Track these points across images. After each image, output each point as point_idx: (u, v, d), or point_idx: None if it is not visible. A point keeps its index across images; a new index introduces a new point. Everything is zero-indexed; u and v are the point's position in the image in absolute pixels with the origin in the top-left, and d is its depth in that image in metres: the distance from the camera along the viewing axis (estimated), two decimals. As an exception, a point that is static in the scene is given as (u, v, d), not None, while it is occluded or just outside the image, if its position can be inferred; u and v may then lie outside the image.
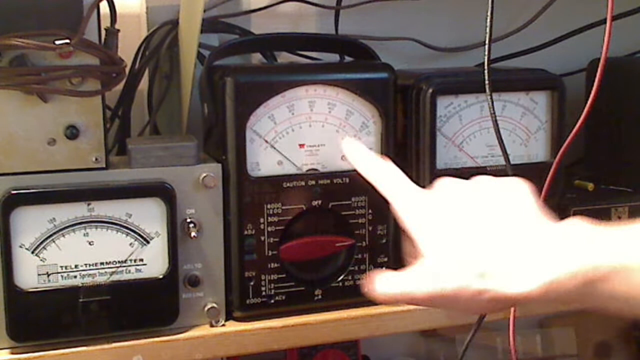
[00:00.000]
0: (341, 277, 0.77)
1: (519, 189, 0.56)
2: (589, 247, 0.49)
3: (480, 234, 0.53)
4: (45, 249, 0.68)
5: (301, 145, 0.75)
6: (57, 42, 0.65)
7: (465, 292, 0.52)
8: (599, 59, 0.68)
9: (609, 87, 0.73)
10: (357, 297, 0.78)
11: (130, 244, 0.70)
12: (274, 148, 0.74)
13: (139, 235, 0.70)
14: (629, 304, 0.48)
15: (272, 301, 0.75)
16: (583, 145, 0.98)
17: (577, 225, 0.51)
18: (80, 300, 0.68)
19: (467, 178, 0.80)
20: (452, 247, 0.54)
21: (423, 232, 0.56)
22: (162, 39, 0.88)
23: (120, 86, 0.82)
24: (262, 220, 0.74)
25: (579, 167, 1.00)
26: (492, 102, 0.72)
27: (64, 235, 0.68)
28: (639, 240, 0.49)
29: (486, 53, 0.72)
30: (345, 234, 0.77)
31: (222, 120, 0.73)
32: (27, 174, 0.68)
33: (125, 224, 0.69)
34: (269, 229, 0.74)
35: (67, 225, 0.68)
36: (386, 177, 0.63)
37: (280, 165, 0.75)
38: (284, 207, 0.74)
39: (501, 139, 0.74)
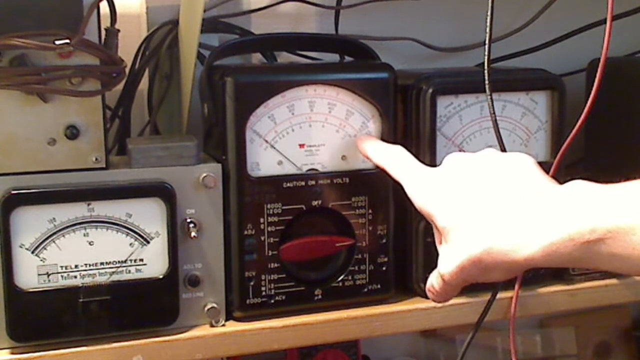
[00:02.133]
0: (341, 277, 0.77)
1: (523, 159, 0.58)
2: (586, 209, 0.50)
3: (485, 203, 0.55)
4: (45, 249, 0.68)
5: (301, 145, 0.75)
6: (57, 42, 0.65)
7: (473, 262, 0.55)
8: (599, 59, 0.68)
9: (609, 87, 0.73)
10: (357, 297, 0.78)
11: (130, 244, 0.70)
12: (274, 148, 0.74)
13: (139, 235, 0.70)
14: (628, 263, 0.49)
15: (272, 301, 0.75)
16: (583, 145, 0.98)
17: (577, 187, 0.53)
18: (80, 300, 0.68)
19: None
20: (461, 219, 0.56)
21: (436, 207, 0.58)
22: (162, 39, 0.88)
23: (120, 86, 0.82)
24: (262, 220, 0.74)
25: (579, 167, 1.00)
26: (492, 102, 0.72)
27: (64, 235, 0.68)
28: (636, 200, 0.49)
29: (486, 53, 0.72)
30: (345, 234, 0.77)
31: (222, 120, 0.73)
32: (27, 174, 0.68)
33: (125, 224, 0.69)
34: (269, 229, 0.74)
35: (67, 225, 0.68)
36: (396, 160, 0.67)
37: (280, 165, 0.75)
38: (284, 207, 0.74)
39: (501, 139, 0.74)
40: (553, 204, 0.53)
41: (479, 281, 0.57)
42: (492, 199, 0.56)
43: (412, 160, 0.67)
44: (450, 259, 0.57)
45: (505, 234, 0.54)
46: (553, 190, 0.55)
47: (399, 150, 0.70)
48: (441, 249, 0.59)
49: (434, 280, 0.61)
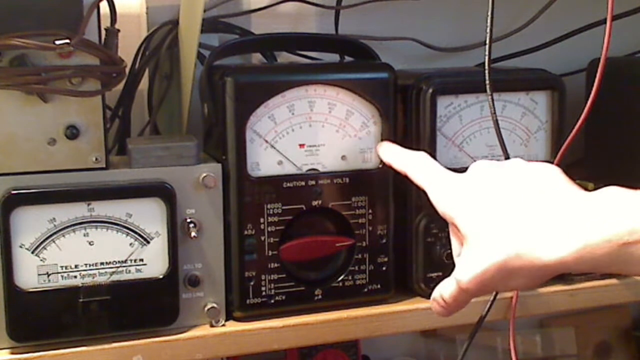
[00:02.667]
0: (341, 277, 0.77)
1: (551, 167, 0.57)
2: (623, 211, 0.49)
3: (513, 207, 0.54)
4: (45, 249, 0.68)
5: (301, 145, 0.75)
6: (57, 42, 0.65)
7: (498, 266, 0.53)
8: (599, 59, 0.68)
9: (609, 87, 0.73)
10: (357, 297, 0.78)
11: (130, 244, 0.70)
12: (274, 148, 0.74)
13: (139, 235, 0.70)
14: None
15: (272, 301, 0.75)
16: (583, 145, 0.98)
17: (611, 191, 0.52)
18: (80, 300, 0.68)
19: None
20: (486, 224, 0.55)
21: (460, 212, 0.57)
22: (162, 39, 0.88)
23: (120, 86, 0.82)
24: (262, 220, 0.74)
25: (579, 167, 1.00)
26: (493, 102, 0.72)
27: (64, 235, 0.68)
28: None
29: (486, 53, 0.72)
30: (345, 234, 0.77)
31: (222, 120, 0.73)
32: (27, 174, 0.68)
33: (125, 224, 0.69)
34: (269, 229, 0.74)
35: (67, 225, 0.68)
36: (420, 165, 0.66)
37: (280, 165, 0.75)
38: (284, 207, 0.74)
39: (501, 139, 0.74)
40: (587, 206, 0.51)
41: (499, 290, 0.56)
42: (520, 203, 0.54)
43: (437, 166, 0.66)
44: (473, 264, 0.55)
45: (535, 237, 0.52)
46: (585, 194, 0.53)
47: (422, 156, 0.68)
48: (462, 254, 0.57)
49: (444, 290, 0.59)
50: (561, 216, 0.52)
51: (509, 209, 0.54)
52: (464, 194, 0.58)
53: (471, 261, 0.55)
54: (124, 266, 0.70)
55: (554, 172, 0.57)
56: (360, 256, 0.77)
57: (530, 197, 0.54)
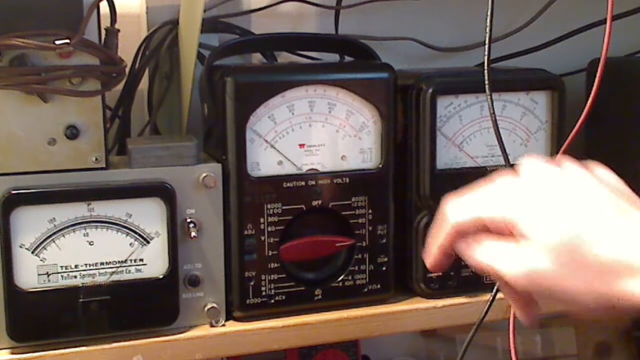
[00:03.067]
0: (341, 277, 0.77)
1: (606, 171, 0.55)
2: None
3: (581, 204, 0.51)
4: (45, 249, 0.68)
5: (301, 145, 0.75)
6: (57, 42, 0.65)
7: (561, 254, 0.49)
8: (599, 59, 0.68)
9: (609, 87, 0.73)
10: (357, 297, 0.78)
11: (130, 244, 0.70)
12: (274, 148, 0.74)
13: (139, 235, 0.70)
14: None
15: (272, 301, 0.75)
16: (583, 145, 0.98)
17: None
18: (80, 300, 0.68)
19: (466, 178, 0.80)
20: (555, 221, 0.50)
21: (525, 212, 0.52)
22: (162, 39, 0.88)
23: (120, 86, 0.82)
24: (262, 220, 0.74)
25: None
26: (492, 102, 0.72)
27: (64, 235, 0.68)
28: None
29: (486, 53, 0.72)
30: (345, 234, 0.77)
31: (222, 120, 0.73)
32: (27, 174, 0.68)
33: (125, 224, 0.69)
34: (269, 229, 0.74)
35: (67, 225, 0.68)
36: (462, 206, 0.57)
37: (280, 165, 0.75)
38: (284, 207, 0.74)
39: (501, 139, 0.74)
40: None
41: (550, 293, 0.51)
42: (588, 202, 0.51)
43: (471, 192, 0.57)
44: (534, 253, 0.50)
45: (611, 235, 0.49)
46: None
47: (451, 203, 0.58)
48: (519, 247, 0.52)
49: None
50: (631, 217, 0.49)
51: (574, 204, 0.51)
52: (525, 192, 0.53)
53: (541, 259, 0.50)
54: (124, 266, 0.70)
55: (611, 177, 0.54)
56: (360, 256, 0.77)
57: (595, 196, 0.51)
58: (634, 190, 0.54)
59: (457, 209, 0.56)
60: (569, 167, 0.54)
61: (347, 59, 0.87)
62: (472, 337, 0.78)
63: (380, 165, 0.77)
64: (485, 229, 0.54)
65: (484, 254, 0.54)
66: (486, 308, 0.79)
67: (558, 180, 0.53)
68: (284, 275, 0.75)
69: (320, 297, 0.77)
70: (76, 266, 0.69)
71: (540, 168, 0.55)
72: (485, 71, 0.72)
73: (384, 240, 0.78)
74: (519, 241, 0.52)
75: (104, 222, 0.69)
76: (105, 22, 0.70)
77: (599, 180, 0.53)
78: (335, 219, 0.77)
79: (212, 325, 0.74)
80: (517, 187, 0.54)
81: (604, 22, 0.66)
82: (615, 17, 0.79)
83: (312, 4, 0.96)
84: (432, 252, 0.56)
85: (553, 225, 0.51)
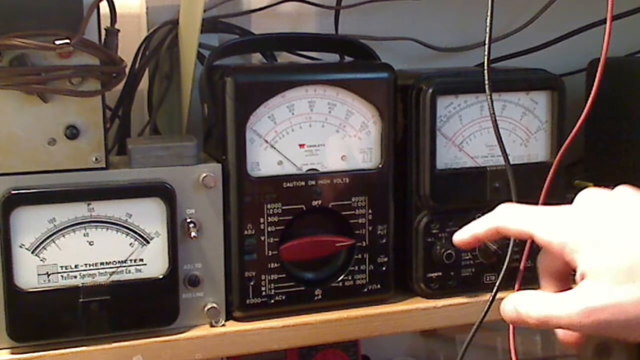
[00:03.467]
0: (341, 277, 0.77)
1: None
2: None
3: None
4: (45, 249, 0.68)
5: (301, 145, 0.75)
6: (57, 42, 0.65)
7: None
8: (599, 59, 0.68)
9: (609, 87, 0.73)
10: (357, 297, 0.78)
11: (130, 244, 0.70)
12: (274, 148, 0.74)
13: (139, 235, 0.70)
14: None
15: (272, 301, 0.75)
16: (583, 145, 0.98)
17: None
18: (80, 300, 0.68)
19: (466, 178, 0.80)
20: (622, 256, 0.48)
21: (585, 246, 0.50)
22: (162, 39, 0.88)
23: (120, 86, 0.82)
24: (262, 220, 0.74)
25: (579, 167, 1.00)
26: (492, 102, 0.72)
27: (64, 235, 0.68)
28: None
29: (486, 53, 0.72)
30: (345, 234, 0.77)
31: (222, 120, 0.73)
32: (27, 174, 0.68)
33: (125, 224, 0.69)
34: (269, 229, 0.74)
35: (67, 225, 0.68)
36: (514, 212, 0.56)
37: (280, 165, 0.75)
38: (284, 207, 0.74)
39: (501, 139, 0.74)
40: None
41: (612, 333, 0.49)
42: None
43: (530, 206, 0.56)
44: (599, 295, 0.48)
45: None
46: None
47: (507, 206, 0.57)
48: (580, 287, 0.50)
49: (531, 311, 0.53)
50: None
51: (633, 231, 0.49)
52: (584, 224, 0.51)
53: (598, 292, 0.48)
54: (124, 266, 0.70)
55: None
56: (360, 256, 0.77)
57: None
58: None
59: (510, 212, 0.55)
60: (623, 192, 0.52)
61: (347, 59, 0.87)
62: (472, 337, 0.78)
63: (380, 165, 0.77)
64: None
65: (536, 309, 0.53)
66: (486, 308, 0.79)
67: (615, 207, 0.51)
68: (284, 275, 0.75)
69: (320, 297, 0.77)
70: (76, 266, 0.69)
71: (595, 196, 0.53)
72: (485, 71, 0.72)
73: (384, 240, 0.78)
74: (570, 273, 0.50)
75: (104, 222, 0.69)
76: (105, 22, 0.70)
77: None
78: (335, 219, 0.77)
79: (212, 325, 0.74)
80: (573, 214, 0.52)
81: (604, 22, 0.66)
82: (615, 17, 0.79)
83: (312, 4, 0.96)
84: (466, 233, 0.57)
85: (613, 253, 0.49)
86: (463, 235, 0.58)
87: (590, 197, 0.53)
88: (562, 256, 0.51)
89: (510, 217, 0.55)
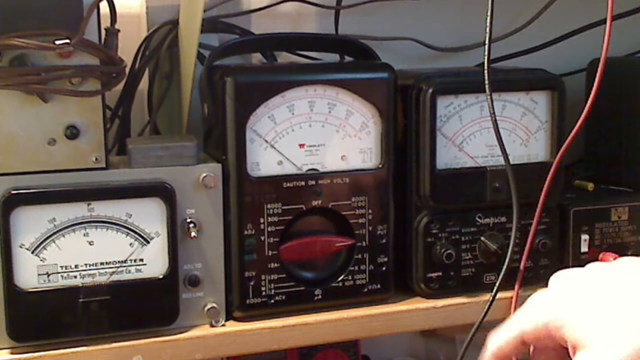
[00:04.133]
0: (341, 277, 0.77)
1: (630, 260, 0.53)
2: None
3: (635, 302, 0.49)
4: (45, 249, 0.68)
5: (301, 145, 0.75)
6: (57, 42, 0.65)
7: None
8: (599, 59, 0.68)
9: (609, 87, 0.73)
10: (357, 297, 0.78)
11: (130, 244, 0.70)
12: (274, 148, 0.74)
13: (139, 235, 0.70)
14: None
15: (272, 301, 0.75)
16: (583, 145, 0.98)
17: None
18: (80, 300, 0.68)
19: (466, 178, 0.80)
20: (615, 322, 0.48)
21: (576, 316, 0.50)
22: (162, 39, 0.88)
23: (120, 86, 0.82)
24: (262, 220, 0.74)
25: (579, 167, 1.00)
26: (492, 102, 0.73)
27: (64, 235, 0.68)
28: None
29: (486, 53, 0.72)
30: (345, 234, 0.77)
31: (222, 120, 0.73)
32: (27, 174, 0.68)
33: (125, 224, 0.69)
34: (269, 229, 0.74)
35: (67, 225, 0.68)
36: (502, 331, 0.54)
37: (280, 165, 0.75)
38: (284, 207, 0.74)
39: (501, 139, 0.74)
40: None
41: None
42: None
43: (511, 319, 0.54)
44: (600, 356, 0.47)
45: None
46: None
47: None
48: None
49: None
50: None
51: (630, 303, 0.48)
52: (562, 299, 0.51)
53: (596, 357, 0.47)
54: (124, 266, 0.70)
55: None
56: (360, 256, 0.77)
57: None
58: (634, 190, 0.53)
59: (496, 334, 0.53)
60: (593, 266, 0.52)
61: (347, 59, 0.87)
62: (472, 337, 0.78)
63: (380, 165, 0.77)
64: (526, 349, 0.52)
65: None
66: (486, 308, 0.79)
67: (587, 277, 0.51)
68: (284, 275, 0.75)
69: (320, 297, 0.77)
70: (76, 266, 0.69)
71: (568, 274, 0.53)
72: (485, 71, 0.72)
73: (384, 240, 0.78)
74: (576, 349, 0.49)
75: (104, 222, 0.69)
76: (105, 22, 0.70)
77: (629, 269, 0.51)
78: (335, 219, 0.77)
79: (212, 325, 0.74)
80: (553, 294, 0.52)
81: (604, 22, 0.67)
82: (615, 17, 0.79)
83: (312, 4, 0.96)
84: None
85: (597, 318, 0.48)
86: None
87: (564, 276, 0.53)
88: (560, 336, 0.50)
89: (498, 337, 0.53)
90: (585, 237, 0.85)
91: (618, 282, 0.50)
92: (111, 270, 0.70)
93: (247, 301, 0.74)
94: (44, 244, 0.68)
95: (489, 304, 0.79)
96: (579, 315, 0.50)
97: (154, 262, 0.70)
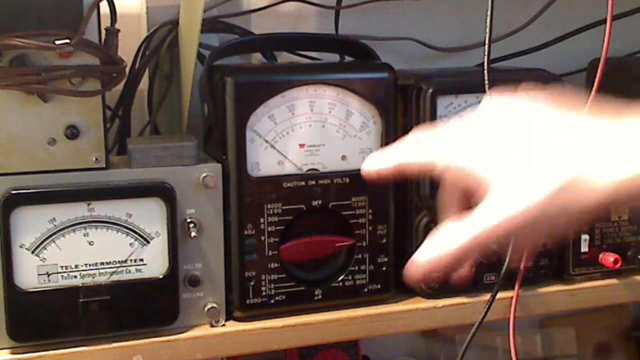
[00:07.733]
0: (341, 277, 0.77)
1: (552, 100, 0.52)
2: None
3: (549, 137, 0.49)
4: (45, 249, 0.68)
5: (301, 145, 0.75)
6: (57, 42, 0.65)
7: (554, 197, 0.47)
8: (599, 59, 0.68)
9: (609, 87, 0.73)
10: (357, 297, 0.78)
11: (130, 244, 0.70)
12: (274, 148, 0.74)
13: (139, 235, 0.70)
14: None
15: (272, 301, 0.75)
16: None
17: None
18: (80, 300, 0.68)
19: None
20: (531, 156, 0.48)
21: (486, 161, 0.50)
22: (162, 39, 0.88)
23: (120, 86, 0.82)
24: (262, 220, 0.74)
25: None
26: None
27: (64, 235, 0.68)
28: None
29: (486, 53, 0.72)
30: (345, 234, 0.77)
31: (222, 120, 0.73)
32: (27, 174, 0.68)
33: (125, 224, 0.69)
34: (269, 229, 0.74)
35: (67, 225, 0.68)
36: (419, 146, 0.55)
37: (280, 165, 0.75)
38: (284, 207, 0.74)
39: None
40: (632, 130, 0.49)
41: (527, 237, 0.49)
42: (556, 133, 0.49)
43: (434, 132, 0.55)
44: (516, 199, 0.48)
45: (591, 161, 0.47)
46: (617, 120, 0.51)
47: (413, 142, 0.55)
48: (492, 197, 0.49)
49: (438, 249, 0.54)
50: (607, 141, 0.48)
51: (543, 142, 0.49)
52: (483, 141, 0.51)
53: (514, 197, 0.48)
54: (124, 266, 0.70)
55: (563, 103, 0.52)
56: (360, 256, 0.77)
57: (562, 126, 0.49)
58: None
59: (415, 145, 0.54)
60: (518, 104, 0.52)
61: (347, 59, 0.87)
62: (472, 337, 0.78)
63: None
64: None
65: (459, 238, 0.52)
66: (486, 308, 0.79)
67: (506, 120, 0.51)
68: (284, 275, 0.75)
69: (320, 297, 0.77)
70: (76, 266, 0.69)
71: (495, 106, 0.53)
72: (485, 71, 0.72)
73: (384, 240, 0.78)
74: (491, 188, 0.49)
75: (104, 222, 0.69)
76: (105, 22, 0.70)
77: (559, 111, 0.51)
78: (335, 219, 0.77)
79: (212, 325, 0.74)
80: (469, 135, 0.52)
81: (604, 22, 0.67)
82: (615, 17, 0.79)
83: (312, 4, 0.96)
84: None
85: (510, 161, 0.49)
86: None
87: (489, 105, 0.54)
88: (463, 179, 0.51)
89: (413, 151, 0.54)
90: (585, 237, 0.85)
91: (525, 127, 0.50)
92: (111, 270, 0.70)
93: (247, 301, 0.74)
94: (44, 244, 0.68)
95: (489, 304, 0.79)
96: (493, 159, 0.49)
97: (154, 262, 0.70)
